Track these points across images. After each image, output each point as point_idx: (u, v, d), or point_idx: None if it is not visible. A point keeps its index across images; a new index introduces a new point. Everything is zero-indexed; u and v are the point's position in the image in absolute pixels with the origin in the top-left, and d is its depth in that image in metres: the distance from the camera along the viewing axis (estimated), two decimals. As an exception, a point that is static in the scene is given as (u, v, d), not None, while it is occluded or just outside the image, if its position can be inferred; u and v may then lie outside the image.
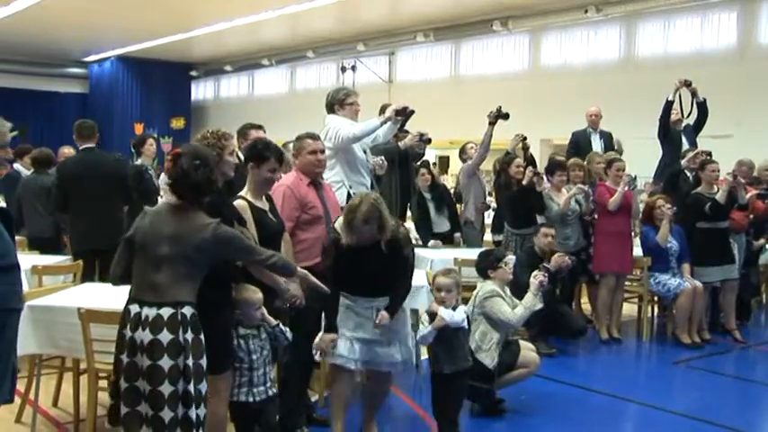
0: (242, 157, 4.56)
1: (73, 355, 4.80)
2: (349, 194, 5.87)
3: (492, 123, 8.14)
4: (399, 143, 7.35)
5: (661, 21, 16.65)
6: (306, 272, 4.05)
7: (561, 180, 7.99)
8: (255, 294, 3.98)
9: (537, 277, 5.37)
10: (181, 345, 3.52)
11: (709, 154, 8.43)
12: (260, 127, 5.61)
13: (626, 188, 7.79)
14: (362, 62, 22.61)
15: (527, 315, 5.35)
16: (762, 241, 8.90)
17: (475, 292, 5.52)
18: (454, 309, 4.65)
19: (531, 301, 5.33)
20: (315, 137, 4.96)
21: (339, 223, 4.48)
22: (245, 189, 4.29)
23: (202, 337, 3.60)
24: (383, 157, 6.87)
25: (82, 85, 28.68)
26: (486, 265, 5.56)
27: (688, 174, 8.48)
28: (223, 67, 27.25)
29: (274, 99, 26.57)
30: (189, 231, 3.57)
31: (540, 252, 7.08)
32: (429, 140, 7.52)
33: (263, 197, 4.35)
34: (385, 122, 5.97)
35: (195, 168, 3.59)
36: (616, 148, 9.57)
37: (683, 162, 8.43)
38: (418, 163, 8.69)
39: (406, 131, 7.55)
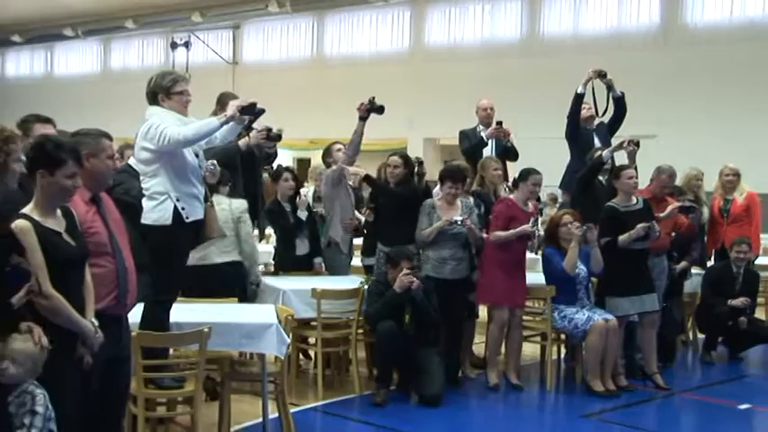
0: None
1: None
2: (176, 209, 5.81)
3: (363, 118, 8.23)
4: (240, 142, 7.35)
5: (571, -6, 17.35)
6: None
7: (450, 192, 8.07)
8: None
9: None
10: None
11: (637, 143, 8.85)
12: (48, 120, 5.44)
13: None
14: (199, 37, 22.45)
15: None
16: (685, 264, 9.35)
17: None
18: None
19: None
20: (110, 136, 4.85)
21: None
22: (31, 204, 4.18)
23: None
24: (215, 162, 6.83)
25: None
26: None
27: (602, 178, 8.82)
28: (9, 36, 26.38)
29: (82, 81, 25.97)
30: None
31: (391, 281, 7.37)
32: (279, 136, 7.52)
33: (58, 213, 4.25)
34: (226, 122, 5.93)
35: None
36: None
37: (605, 152, 8.70)
38: (275, 166, 8.72)
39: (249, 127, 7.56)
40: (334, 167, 8.70)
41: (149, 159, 5.85)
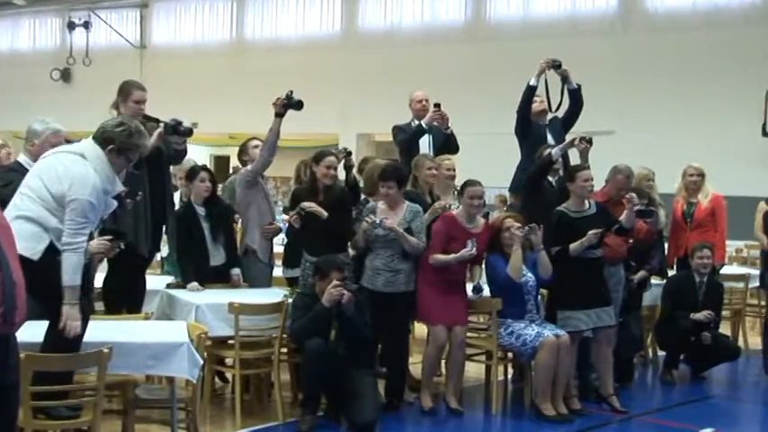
0: None
1: None
2: (52, 246, 5.55)
3: (279, 115, 8.26)
4: None
5: (519, -26, 17.54)
6: None
7: (383, 193, 8.08)
8: None
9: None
10: None
11: (590, 141, 8.97)
12: None
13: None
14: (101, 17, 22.22)
15: None
16: (643, 273, 9.46)
17: None
18: None
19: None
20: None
21: None
22: None
23: None
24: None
25: None
26: None
27: (551, 179, 8.90)
28: None
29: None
30: None
31: (319, 294, 7.36)
32: (190, 131, 7.47)
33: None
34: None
35: None
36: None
37: (554, 151, 8.78)
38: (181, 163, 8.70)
39: (156, 120, 7.51)
40: (248, 167, 8.68)
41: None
